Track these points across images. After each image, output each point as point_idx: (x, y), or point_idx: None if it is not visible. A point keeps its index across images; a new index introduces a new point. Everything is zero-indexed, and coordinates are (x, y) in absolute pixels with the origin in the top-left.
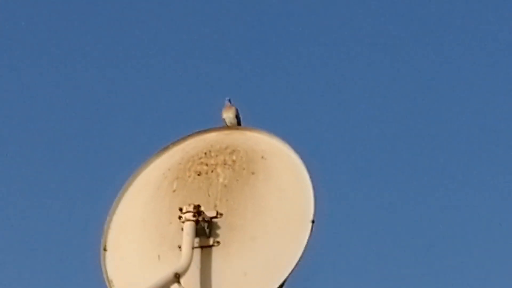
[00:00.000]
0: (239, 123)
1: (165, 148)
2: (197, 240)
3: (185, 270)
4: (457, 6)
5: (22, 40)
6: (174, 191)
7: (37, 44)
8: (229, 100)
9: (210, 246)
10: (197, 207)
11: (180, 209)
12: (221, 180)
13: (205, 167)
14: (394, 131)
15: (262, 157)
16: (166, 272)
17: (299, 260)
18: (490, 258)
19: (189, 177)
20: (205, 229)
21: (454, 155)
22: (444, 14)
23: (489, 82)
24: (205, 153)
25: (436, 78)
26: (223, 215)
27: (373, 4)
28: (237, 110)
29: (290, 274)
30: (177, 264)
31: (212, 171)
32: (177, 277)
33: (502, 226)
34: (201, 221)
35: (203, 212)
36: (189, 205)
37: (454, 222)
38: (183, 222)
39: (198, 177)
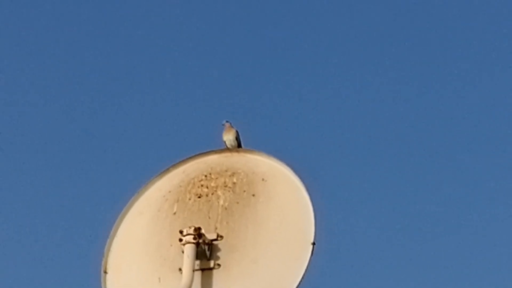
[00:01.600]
0: (239, 145)
1: (166, 170)
2: (197, 262)
3: None
4: (457, 6)
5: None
6: (174, 213)
7: (40, 65)
8: (229, 122)
9: (211, 269)
10: (197, 229)
11: (181, 232)
12: (221, 202)
13: (205, 189)
14: (398, 156)
15: (263, 179)
16: None
17: (300, 282)
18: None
19: (190, 199)
20: (206, 252)
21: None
22: (444, 14)
23: (489, 82)
24: (206, 175)
25: (439, 79)
26: (224, 237)
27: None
28: (237, 132)
29: None
30: (177, 287)
31: (212, 193)
32: None
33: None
34: (202, 243)
35: (204, 235)
36: (190, 227)
37: (459, 250)
38: (183, 244)
39: (199, 199)
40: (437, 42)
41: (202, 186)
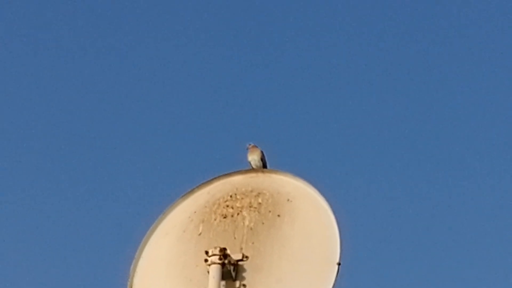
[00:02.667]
0: (264, 166)
1: (191, 191)
2: (223, 283)
3: None
4: (456, 6)
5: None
6: (200, 233)
7: (53, 79)
8: (254, 144)
9: None
10: (223, 250)
11: (206, 252)
12: (247, 222)
13: (230, 210)
14: (426, 176)
15: (288, 200)
16: None
17: None
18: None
19: (215, 219)
20: (231, 272)
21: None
22: (444, 14)
23: (489, 82)
24: (231, 196)
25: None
26: (249, 258)
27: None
28: (262, 153)
29: None
30: None
31: (238, 214)
32: None
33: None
34: (227, 264)
35: (229, 255)
36: (215, 248)
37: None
38: (209, 265)
39: (224, 219)
40: (442, 42)
41: (227, 206)
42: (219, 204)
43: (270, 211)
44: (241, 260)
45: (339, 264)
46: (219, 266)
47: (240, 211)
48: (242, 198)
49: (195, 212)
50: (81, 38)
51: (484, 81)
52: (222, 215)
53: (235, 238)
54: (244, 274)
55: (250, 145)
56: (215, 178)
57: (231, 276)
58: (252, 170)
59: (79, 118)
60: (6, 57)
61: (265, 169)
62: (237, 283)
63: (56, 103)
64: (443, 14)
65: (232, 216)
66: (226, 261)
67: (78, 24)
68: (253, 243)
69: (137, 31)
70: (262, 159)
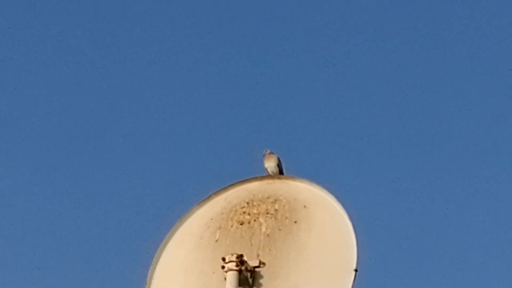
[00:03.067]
0: (281, 172)
1: (208, 198)
2: None
3: None
4: (456, 6)
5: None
6: (216, 240)
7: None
8: (269, 151)
9: None
10: (240, 257)
11: (223, 259)
12: (263, 229)
13: (247, 217)
14: (445, 182)
15: (305, 206)
16: None
17: None
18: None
19: (232, 226)
20: (248, 279)
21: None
22: (443, 14)
23: (489, 82)
24: (248, 202)
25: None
26: (266, 265)
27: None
28: (278, 159)
29: None
30: None
31: (254, 220)
32: None
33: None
34: (244, 270)
35: (246, 262)
36: (232, 254)
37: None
38: (226, 271)
39: (241, 226)
40: (444, 41)
41: (244, 213)
42: (236, 211)
43: (287, 218)
44: (258, 266)
45: (356, 270)
46: (236, 272)
47: (257, 218)
48: (259, 205)
49: (211, 219)
50: (84, 38)
51: (486, 80)
52: (239, 221)
53: (252, 244)
54: (261, 281)
55: (266, 151)
56: (232, 185)
57: (248, 283)
58: (268, 176)
59: (95, 124)
60: (5, 56)
61: (281, 175)
62: None
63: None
64: (443, 14)
65: (249, 222)
66: (243, 268)
67: (80, 22)
68: (270, 249)
69: (149, 31)
70: (279, 165)
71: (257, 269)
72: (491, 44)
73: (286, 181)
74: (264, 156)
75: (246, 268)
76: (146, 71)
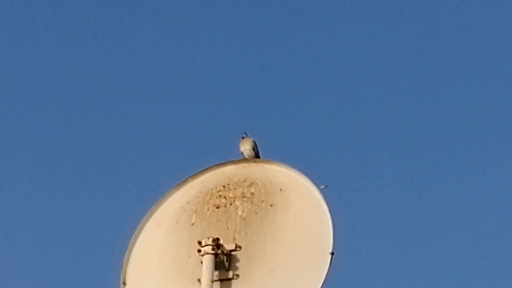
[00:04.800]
0: (257, 155)
1: (184, 181)
2: (216, 273)
3: None
4: (456, 6)
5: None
6: (192, 224)
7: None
8: (246, 134)
9: (230, 279)
10: (216, 240)
11: (199, 242)
12: (239, 212)
13: (223, 200)
14: (422, 166)
15: (281, 189)
16: None
17: None
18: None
19: (208, 210)
20: (224, 262)
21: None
22: (443, 14)
23: (489, 82)
24: (224, 186)
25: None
26: (242, 248)
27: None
28: (254, 142)
29: None
30: None
31: (230, 204)
32: None
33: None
34: (220, 254)
35: (222, 245)
36: (208, 238)
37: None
38: (202, 255)
39: (217, 210)
40: (448, 41)
41: (220, 196)
42: (212, 194)
43: (263, 201)
44: (234, 250)
45: (332, 253)
46: (212, 256)
47: (233, 201)
48: (235, 188)
49: (188, 202)
50: (70, 26)
51: (487, 80)
52: (215, 205)
53: (228, 228)
54: (237, 264)
55: (242, 135)
56: (208, 168)
57: (224, 266)
58: (244, 159)
59: (69, 107)
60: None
61: (257, 159)
62: (231, 273)
63: (45, 94)
64: (443, 13)
65: (225, 206)
66: (219, 251)
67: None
68: (246, 233)
69: (122, 16)
70: (254, 149)
71: (233, 253)
72: (491, 44)
73: (262, 164)
74: (243, 138)
75: (222, 251)
76: (121, 51)
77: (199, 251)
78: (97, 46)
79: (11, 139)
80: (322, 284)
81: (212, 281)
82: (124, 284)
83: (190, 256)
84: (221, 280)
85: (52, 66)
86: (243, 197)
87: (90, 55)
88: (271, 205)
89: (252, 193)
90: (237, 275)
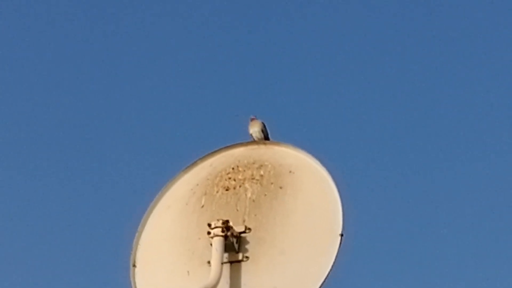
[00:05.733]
0: (266, 137)
1: (193, 164)
2: (226, 255)
3: (215, 286)
4: (456, 6)
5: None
6: (202, 206)
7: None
8: (255, 116)
9: (239, 261)
10: (225, 222)
11: (209, 225)
12: (249, 194)
13: (233, 182)
14: (426, 145)
15: (290, 171)
16: (196, 287)
17: (329, 274)
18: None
19: (217, 192)
20: (234, 244)
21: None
22: (442, 14)
23: (489, 82)
24: (233, 168)
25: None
26: (252, 230)
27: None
28: (263, 124)
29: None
30: (206, 280)
31: (240, 186)
32: None
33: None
34: (230, 236)
35: (232, 227)
36: (218, 220)
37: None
38: (211, 237)
39: (226, 192)
40: (450, 41)
41: (229, 178)
42: (221, 177)
43: (272, 183)
44: (244, 232)
45: (341, 235)
46: (221, 238)
47: (242, 183)
48: (244, 170)
49: (197, 185)
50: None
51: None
52: (225, 187)
53: (237, 210)
54: (247, 246)
55: (251, 117)
56: (217, 151)
57: (234, 248)
58: (253, 142)
59: (69, 95)
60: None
61: (266, 141)
62: (240, 255)
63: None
64: (443, 13)
65: (235, 188)
66: (228, 234)
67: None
68: (255, 215)
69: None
70: (263, 131)
71: (243, 235)
72: (491, 44)
73: (271, 146)
74: (250, 119)
75: (232, 233)
76: (125, 36)
77: (208, 233)
78: (90, 36)
79: None
80: (332, 266)
81: (222, 263)
82: (134, 266)
83: (199, 238)
84: (230, 262)
85: (47, 63)
86: (253, 179)
87: (84, 48)
88: (281, 187)
89: (261, 175)
90: (247, 257)
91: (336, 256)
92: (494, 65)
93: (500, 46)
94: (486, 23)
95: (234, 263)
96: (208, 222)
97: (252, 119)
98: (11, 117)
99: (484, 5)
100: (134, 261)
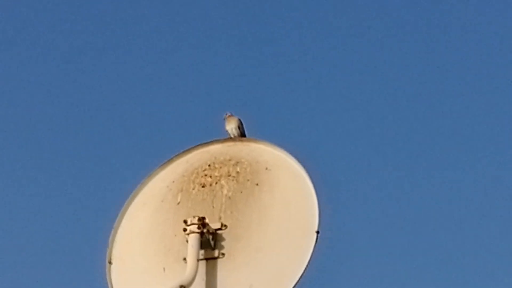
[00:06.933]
0: (242, 134)
1: (169, 160)
2: (202, 252)
3: (191, 283)
4: (456, 6)
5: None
6: (178, 203)
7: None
8: (231, 113)
9: (215, 258)
10: (201, 219)
11: (185, 221)
12: (225, 191)
13: (209, 179)
14: (402, 140)
15: (266, 168)
16: (172, 284)
17: (305, 271)
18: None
19: (193, 189)
20: (210, 241)
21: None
22: (443, 14)
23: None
24: (209, 165)
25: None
26: (228, 227)
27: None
28: (239, 120)
29: (295, 285)
30: (182, 277)
31: (216, 183)
32: None
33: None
34: (206, 233)
35: (208, 224)
36: (194, 217)
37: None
38: (188, 234)
39: (202, 189)
40: (435, 42)
41: (205, 175)
42: (197, 173)
43: (248, 180)
44: (220, 229)
45: (317, 232)
46: (198, 235)
47: (219, 180)
48: (220, 167)
49: (173, 182)
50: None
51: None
52: (201, 184)
53: (213, 207)
54: (223, 243)
55: (227, 114)
56: (193, 147)
57: (210, 245)
58: (230, 138)
59: (55, 86)
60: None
61: (243, 138)
62: (216, 252)
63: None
64: (443, 13)
65: (211, 185)
66: (205, 230)
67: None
68: (231, 212)
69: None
70: (240, 127)
71: (219, 232)
72: (491, 44)
73: (247, 143)
74: (224, 119)
75: (208, 230)
76: (109, 29)
77: (184, 230)
78: (76, 29)
79: None
80: (308, 262)
81: (198, 260)
82: (110, 262)
83: (175, 235)
84: (206, 259)
85: (41, 58)
86: (229, 175)
87: (69, 42)
88: (257, 184)
89: (238, 172)
90: (223, 254)
91: (312, 253)
92: (494, 65)
93: (501, 46)
94: (486, 23)
95: (210, 260)
96: (184, 218)
97: (228, 116)
98: None
99: (484, 5)
100: (110, 258)
